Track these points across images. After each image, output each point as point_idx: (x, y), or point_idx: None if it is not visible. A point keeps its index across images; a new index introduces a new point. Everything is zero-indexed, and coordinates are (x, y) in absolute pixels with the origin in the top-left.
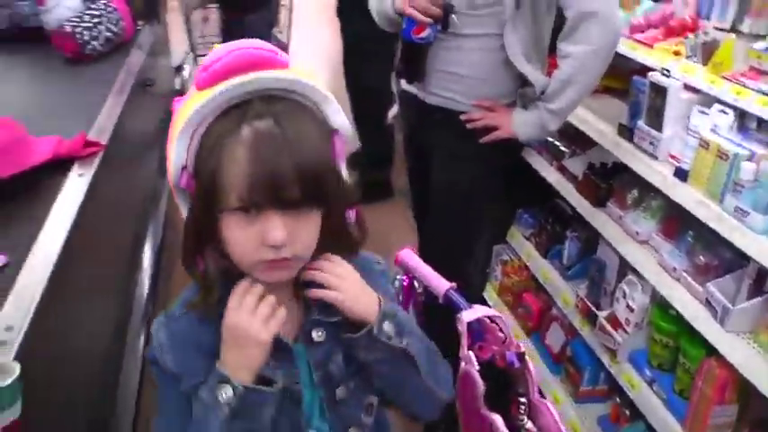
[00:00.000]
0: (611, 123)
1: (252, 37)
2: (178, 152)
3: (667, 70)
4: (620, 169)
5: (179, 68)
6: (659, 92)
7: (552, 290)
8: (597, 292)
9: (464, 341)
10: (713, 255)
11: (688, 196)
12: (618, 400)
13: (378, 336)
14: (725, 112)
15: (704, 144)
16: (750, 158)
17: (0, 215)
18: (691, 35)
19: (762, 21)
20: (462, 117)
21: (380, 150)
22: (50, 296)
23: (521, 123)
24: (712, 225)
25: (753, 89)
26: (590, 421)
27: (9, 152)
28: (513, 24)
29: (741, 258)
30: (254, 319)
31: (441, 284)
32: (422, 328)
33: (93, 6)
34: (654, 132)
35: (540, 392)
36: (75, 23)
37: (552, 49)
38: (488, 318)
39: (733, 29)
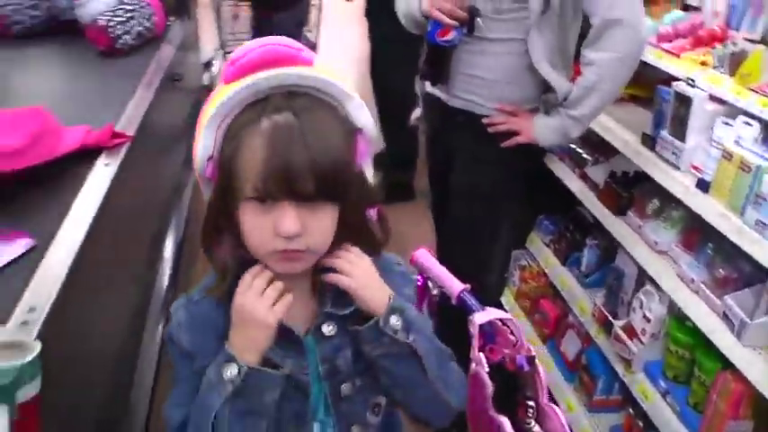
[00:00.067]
0: (635, 132)
1: (281, 35)
2: (205, 142)
3: (692, 80)
4: (642, 179)
5: (208, 64)
6: (684, 102)
7: (569, 297)
8: (614, 302)
9: (475, 343)
10: (732, 268)
11: (709, 208)
12: (631, 410)
13: (383, 328)
14: (749, 124)
15: (727, 155)
16: None
17: (29, 200)
18: (719, 45)
19: None
20: (484, 121)
21: (403, 152)
22: (73, 280)
23: (542, 129)
24: (732, 238)
25: None
26: (602, 431)
27: (40, 140)
28: (539, 29)
29: (760, 272)
30: (260, 302)
31: (454, 285)
32: (435, 328)
33: (126, 1)
34: (677, 142)
35: (554, 400)
36: (108, 17)
37: (577, 55)
38: (500, 320)
39: (763, 40)
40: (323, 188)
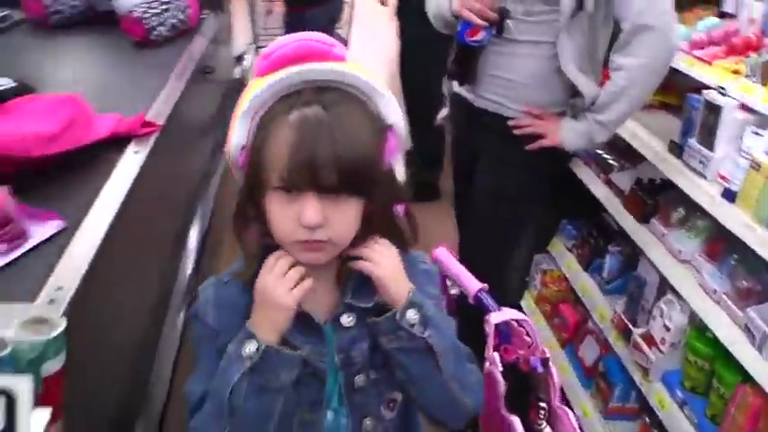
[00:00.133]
0: (663, 139)
1: (312, 31)
2: (238, 132)
3: (723, 88)
4: (668, 187)
5: (240, 58)
6: (713, 110)
7: (589, 303)
8: (635, 309)
9: (490, 342)
10: (756, 280)
11: (734, 218)
12: (647, 419)
13: (400, 321)
14: None
15: (755, 165)
16: None
17: (61, 184)
18: (753, 54)
19: None
20: (510, 123)
21: (430, 152)
22: (99, 262)
23: (568, 133)
24: (757, 249)
25: None
26: None
27: (74, 127)
28: (568, 33)
29: None
30: (280, 284)
31: (472, 285)
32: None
33: None
34: (705, 151)
35: (569, 404)
36: (144, 9)
37: (607, 60)
38: (516, 321)
39: None
40: (347, 181)
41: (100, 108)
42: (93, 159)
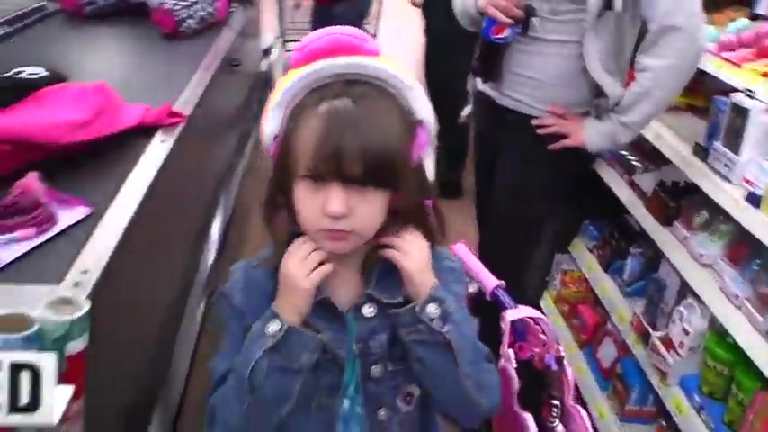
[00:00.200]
0: (688, 142)
1: (340, 25)
2: (271, 123)
3: (751, 91)
4: (692, 190)
5: (267, 51)
6: (740, 113)
7: (609, 304)
8: (654, 312)
9: (505, 338)
10: None
11: (759, 223)
12: (664, 423)
13: (420, 314)
14: None
15: None
16: None
17: (89, 171)
18: None
19: None
20: (534, 122)
21: (453, 149)
22: (124, 247)
23: (592, 133)
24: None
25: None
26: None
27: (103, 115)
28: (595, 32)
29: None
30: (299, 268)
31: (489, 281)
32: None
33: None
34: (730, 154)
35: (585, 405)
36: (174, 1)
37: (633, 61)
38: (532, 319)
39: None
40: (372, 173)
41: (128, 97)
42: (120, 147)
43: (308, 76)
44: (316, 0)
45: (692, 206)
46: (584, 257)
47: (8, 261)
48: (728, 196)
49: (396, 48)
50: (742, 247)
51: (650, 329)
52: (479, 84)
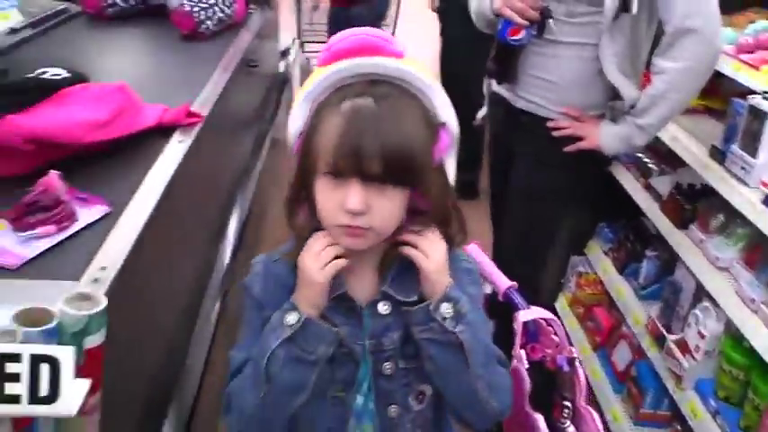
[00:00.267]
0: (705, 144)
1: (358, 26)
2: (296, 120)
3: None
4: (708, 192)
5: (285, 52)
6: (758, 116)
7: (624, 307)
8: (670, 315)
9: (517, 339)
10: None
11: None
12: (678, 427)
13: (433, 313)
14: None
15: None
16: None
17: (108, 170)
18: None
19: None
20: (549, 124)
21: (469, 150)
22: (141, 246)
23: (607, 136)
24: None
25: None
26: None
27: (122, 115)
28: (611, 35)
29: None
30: (314, 261)
31: (502, 282)
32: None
33: None
34: (747, 157)
35: (599, 408)
36: (193, 3)
37: (649, 63)
38: (545, 320)
39: None
40: (391, 171)
41: (147, 97)
42: (139, 147)
43: (333, 75)
44: (332, 2)
45: (708, 209)
46: (599, 260)
47: (30, 257)
48: (745, 199)
49: (412, 50)
50: (758, 250)
51: (665, 333)
52: (494, 85)
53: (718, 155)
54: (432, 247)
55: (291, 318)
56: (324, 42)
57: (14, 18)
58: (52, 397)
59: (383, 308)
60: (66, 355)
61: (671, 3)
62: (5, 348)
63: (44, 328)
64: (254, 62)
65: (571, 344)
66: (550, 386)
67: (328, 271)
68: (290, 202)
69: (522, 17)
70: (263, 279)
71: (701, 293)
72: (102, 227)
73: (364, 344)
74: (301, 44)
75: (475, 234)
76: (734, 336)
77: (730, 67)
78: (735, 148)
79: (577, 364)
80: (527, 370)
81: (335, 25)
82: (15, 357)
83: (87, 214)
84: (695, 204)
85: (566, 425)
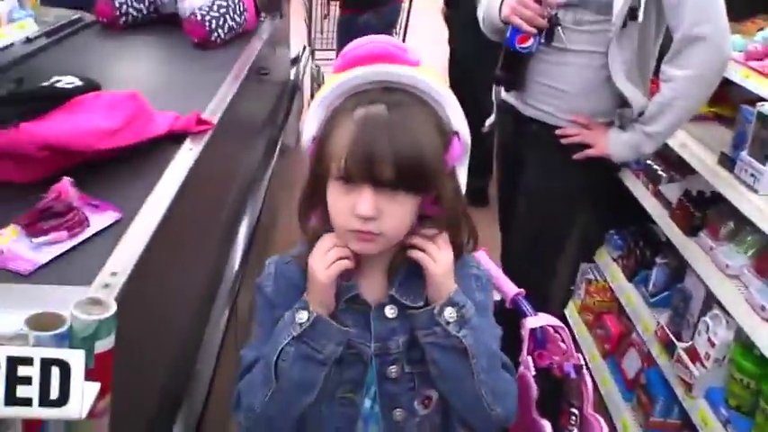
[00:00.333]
0: (714, 151)
1: (366, 35)
2: (310, 125)
3: None
4: (718, 200)
5: (295, 60)
6: (766, 123)
7: (633, 314)
8: (679, 323)
9: (525, 346)
10: None
11: None
12: None
13: (437, 317)
14: None
15: None
16: None
17: (120, 177)
18: None
19: None
20: (558, 132)
21: (479, 157)
22: (151, 252)
23: (616, 144)
24: None
25: None
26: None
27: (134, 123)
28: (619, 43)
29: None
30: (320, 262)
31: (509, 289)
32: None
33: None
34: (756, 164)
35: (609, 416)
36: (205, 12)
37: (657, 71)
38: (552, 327)
39: None
40: (402, 178)
41: (159, 105)
42: (150, 154)
43: (348, 81)
44: (342, 10)
45: (717, 216)
46: (608, 267)
47: (42, 263)
48: (754, 206)
49: (421, 58)
50: None
51: (675, 340)
52: (503, 93)
53: (728, 162)
54: (439, 252)
55: (302, 316)
56: (334, 50)
57: (30, 28)
58: (62, 400)
59: (390, 311)
60: (76, 359)
61: (679, 10)
62: (18, 352)
63: (55, 332)
64: (265, 70)
65: (579, 351)
66: (557, 393)
67: (332, 271)
68: (303, 206)
69: (531, 25)
70: (275, 279)
71: (710, 301)
72: (113, 233)
73: (370, 346)
74: (312, 52)
75: (486, 240)
76: (744, 344)
77: (739, 75)
78: (744, 155)
79: (585, 371)
80: (534, 377)
81: (344, 33)
82: (27, 361)
83: (99, 220)
84: (705, 211)
85: None
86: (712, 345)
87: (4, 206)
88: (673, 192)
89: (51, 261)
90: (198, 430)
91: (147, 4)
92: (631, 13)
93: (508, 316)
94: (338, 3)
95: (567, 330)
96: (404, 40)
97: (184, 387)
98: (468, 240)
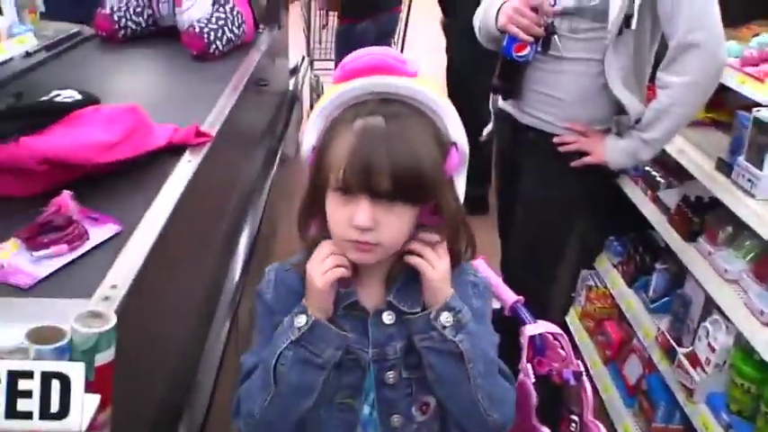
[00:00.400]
0: (711, 157)
1: (363, 45)
2: (310, 135)
3: None
4: (716, 205)
5: (294, 70)
6: (762, 128)
7: (634, 321)
8: (680, 328)
9: (524, 353)
10: None
11: None
12: None
13: (433, 322)
14: None
15: None
16: None
17: (119, 190)
18: None
19: None
20: (555, 140)
21: (478, 166)
22: (151, 264)
23: (613, 151)
24: None
25: None
26: None
27: (133, 136)
28: (615, 50)
29: None
30: (317, 268)
31: (508, 297)
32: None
33: (220, 10)
34: (753, 169)
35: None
36: (203, 24)
37: (653, 77)
38: (551, 335)
39: None
40: (400, 189)
41: (158, 117)
42: (149, 167)
43: (346, 93)
44: (339, 19)
45: (716, 221)
46: (608, 273)
47: (43, 276)
48: (752, 211)
49: (419, 68)
50: (767, 262)
51: (676, 346)
52: (500, 102)
53: (725, 167)
54: (436, 257)
55: (300, 320)
56: (333, 60)
57: (30, 42)
58: (63, 413)
59: (387, 317)
60: (76, 372)
61: (674, 18)
62: (18, 366)
63: (56, 345)
64: (264, 81)
65: (580, 358)
66: (557, 400)
67: (328, 278)
68: (303, 215)
69: (528, 33)
70: (274, 287)
71: (710, 306)
72: (112, 246)
73: (368, 352)
74: (311, 62)
75: (485, 248)
76: (744, 348)
77: (735, 80)
78: (741, 160)
79: (584, 378)
80: (534, 384)
81: (342, 42)
82: (28, 374)
83: (98, 233)
84: (703, 217)
85: None
86: (713, 350)
87: (5, 220)
88: (671, 197)
89: (51, 274)
90: None
91: (145, 17)
92: (627, 21)
93: (507, 324)
94: (336, 13)
95: (566, 337)
96: (402, 49)
97: (185, 398)
98: (466, 249)
